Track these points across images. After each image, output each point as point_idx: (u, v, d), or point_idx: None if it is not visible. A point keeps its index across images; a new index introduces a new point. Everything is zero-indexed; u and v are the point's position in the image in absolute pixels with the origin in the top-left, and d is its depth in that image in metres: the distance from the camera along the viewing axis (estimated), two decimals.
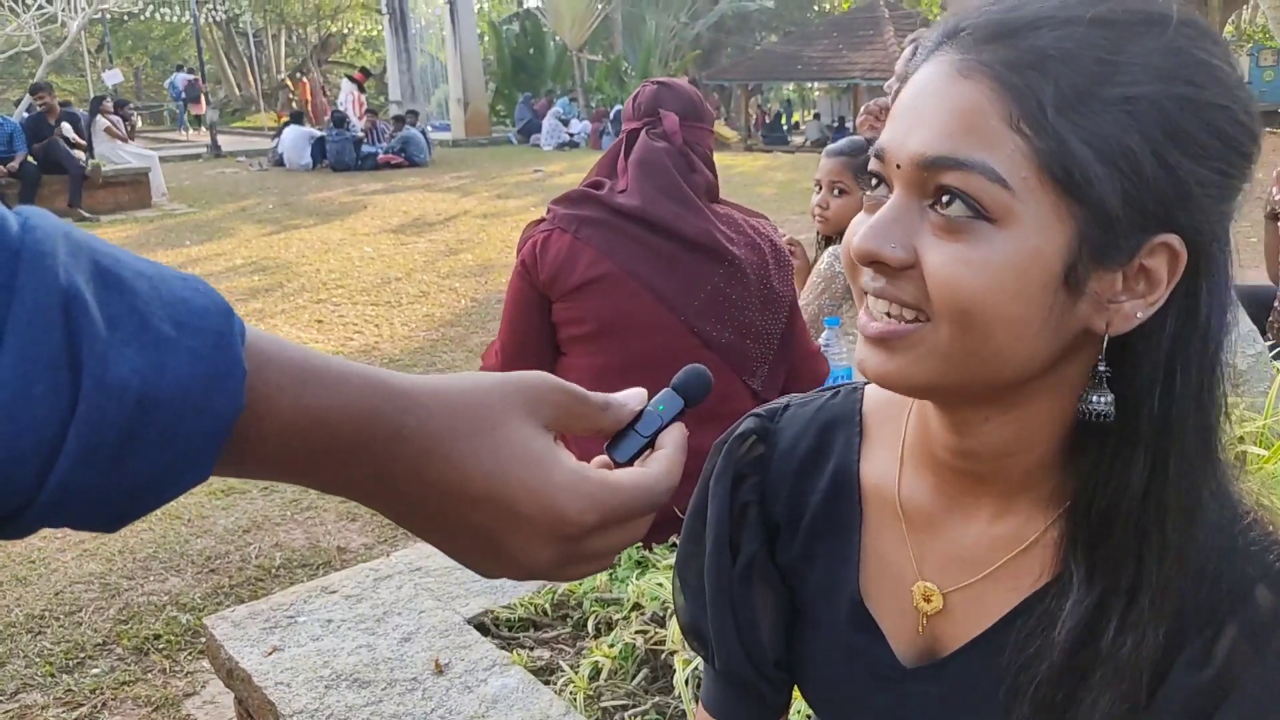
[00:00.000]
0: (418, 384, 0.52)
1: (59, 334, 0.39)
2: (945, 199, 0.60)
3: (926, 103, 0.61)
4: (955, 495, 0.75)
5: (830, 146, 2.89)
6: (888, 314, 0.64)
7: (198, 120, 21.83)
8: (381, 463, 0.50)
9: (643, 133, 2.27)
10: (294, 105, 21.66)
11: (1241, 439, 1.73)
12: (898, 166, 0.62)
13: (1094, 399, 0.64)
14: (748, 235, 2.27)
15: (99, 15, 15.20)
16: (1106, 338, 0.62)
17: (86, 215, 10.82)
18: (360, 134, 16.38)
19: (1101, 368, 0.64)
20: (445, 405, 0.52)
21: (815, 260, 2.88)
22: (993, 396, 0.66)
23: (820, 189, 2.83)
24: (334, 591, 1.99)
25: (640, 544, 2.15)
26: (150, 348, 0.41)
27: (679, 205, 2.20)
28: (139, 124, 18.53)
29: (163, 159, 13.76)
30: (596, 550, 0.55)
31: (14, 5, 12.67)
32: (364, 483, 0.51)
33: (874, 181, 0.66)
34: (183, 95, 22.47)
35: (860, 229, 0.64)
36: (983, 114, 0.59)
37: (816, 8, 30.25)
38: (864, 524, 0.80)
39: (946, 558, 0.75)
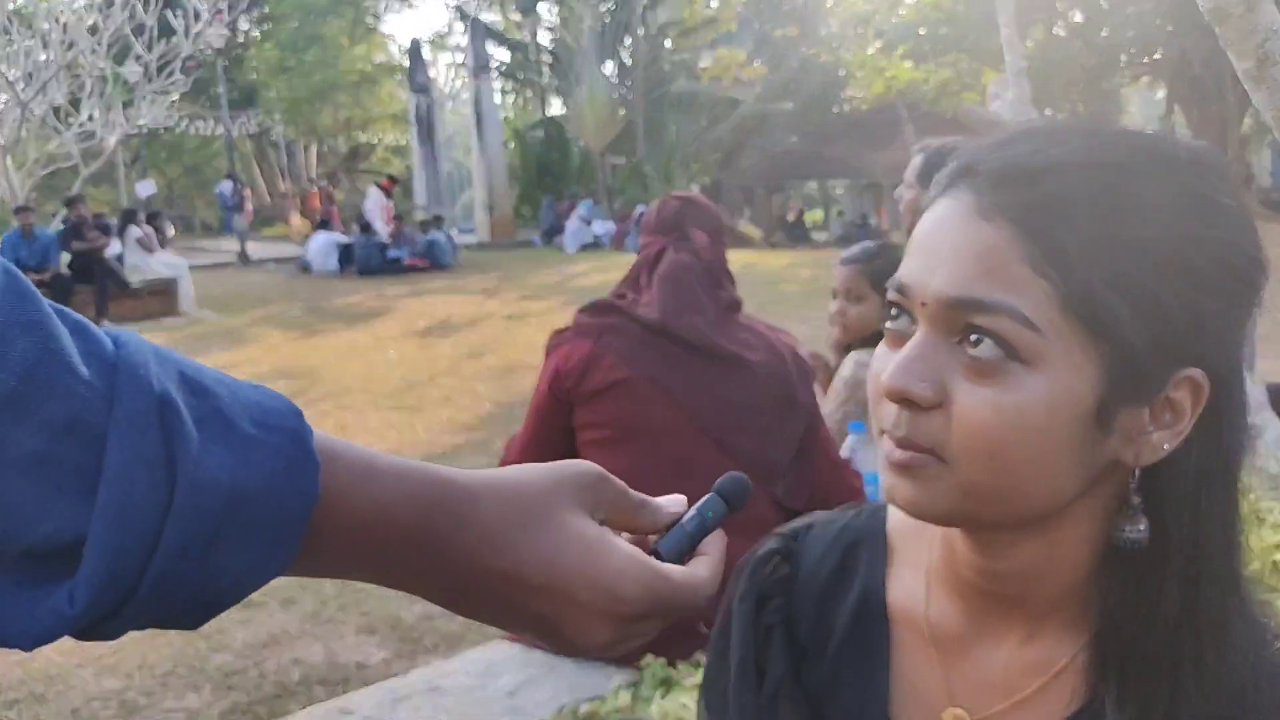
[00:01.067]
0: (473, 477, 0.55)
1: (156, 435, 0.43)
2: (974, 338, 0.60)
3: (947, 241, 0.62)
4: (984, 618, 0.73)
5: (844, 255, 2.90)
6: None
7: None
8: (443, 552, 0.52)
9: (669, 248, 2.32)
10: (303, 213, 21.98)
11: (1278, 546, 1.68)
12: (923, 304, 0.63)
13: (1128, 529, 0.64)
14: (769, 344, 2.30)
15: (135, 130, 15.74)
16: (1138, 469, 0.63)
17: (108, 326, 10.97)
18: (387, 239, 16.71)
19: (1135, 500, 0.64)
20: (499, 496, 0.54)
21: (836, 367, 2.87)
22: (1021, 526, 0.66)
23: (837, 297, 2.84)
24: (351, 713, 1.94)
25: (665, 660, 2.10)
26: (236, 445, 0.45)
27: (701, 320, 2.25)
28: (171, 233, 19.05)
29: (192, 267, 14.07)
30: (644, 631, 0.58)
31: (57, 123, 13.17)
32: (427, 572, 0.53)
33: (894, 312, 0.66)
34: (230, 203, 23.14)
35: (889, 366, 0.64)
36: (1006, 256, 0.60)
37: (835, 109, 30.86)
38: (892, 647, 0.78)
39: (977, 682, 0.74)
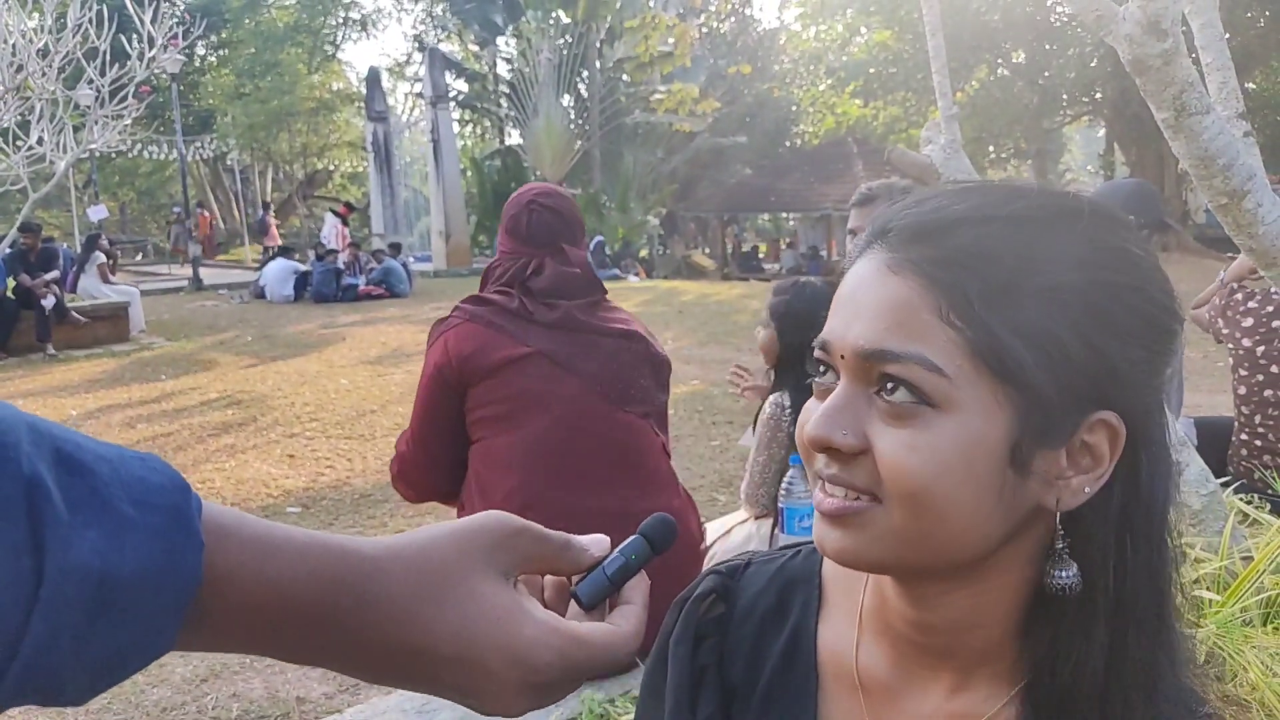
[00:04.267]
0: (379, 547, 0.53)
1: (23, 522, 0.41)
2: (890, 386, 0.63)
3: (862, 298, 0.66)
4: (913, 667, 0.75)
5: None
6: (843, 494, 0.66)
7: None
8: (347, 631, 0.51)
9: (547, 262, 2.49)
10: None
11: (1197, 581, 1.72)
12: (842, 357, 0.66)
13: (1058, 574, 0.65)
14: (634, 323, 2.61)
15: (86, 154, 15.50)
16: (1059, 513, 0.65)
17: (53, 353, 10.78)
18: (342, 266, 16.58)
19: (1060, 544, 0.66)
20: (407, 567, 0.53)
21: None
22: (950, 573, 0.67)
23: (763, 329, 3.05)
24: None
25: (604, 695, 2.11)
26: (111, 528, 0.43)
27: (583, 312, 2.50)
28: (119, 257, 18.66)
29: (144, 292, 13.86)
30: (563, 692, 0.57)
31: (4, 146, 12.93)
32: (330, 649, 0.51)
33: (821, 369, 0.70)
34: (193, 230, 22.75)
35: (813, 416, 0.67)
36: (914, 308, 0.63)
37: (788, 143, 31.28)
38: (820, 691, 0.79)
39: None
